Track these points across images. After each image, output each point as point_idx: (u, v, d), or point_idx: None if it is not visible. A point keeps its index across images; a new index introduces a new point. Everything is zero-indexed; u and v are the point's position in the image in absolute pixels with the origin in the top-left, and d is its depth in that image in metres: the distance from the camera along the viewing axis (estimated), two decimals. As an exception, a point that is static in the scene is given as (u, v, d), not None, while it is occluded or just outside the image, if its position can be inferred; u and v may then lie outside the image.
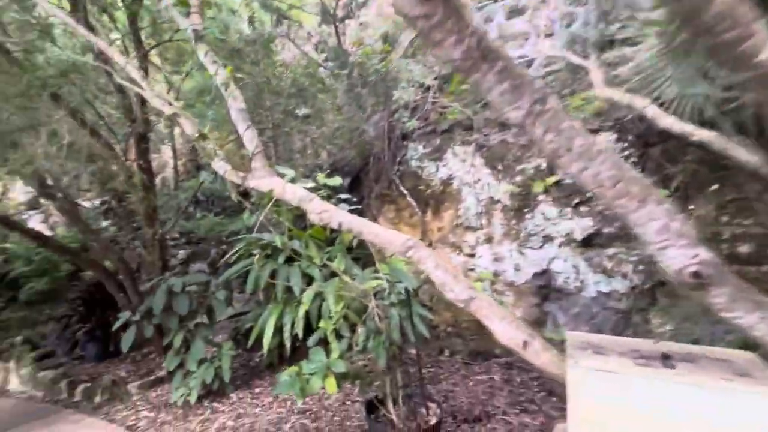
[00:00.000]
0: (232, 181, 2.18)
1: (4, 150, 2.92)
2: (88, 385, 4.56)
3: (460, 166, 4.75)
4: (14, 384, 5.47)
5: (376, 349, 2.40)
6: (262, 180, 1.93)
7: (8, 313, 8.08)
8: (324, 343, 2.69)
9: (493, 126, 4.73)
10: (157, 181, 11.43)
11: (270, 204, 2.02)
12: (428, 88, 5.03)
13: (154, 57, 6.44)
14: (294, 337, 4.18)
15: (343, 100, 5.74)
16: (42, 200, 9.88)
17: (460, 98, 4.99)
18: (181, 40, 4.77)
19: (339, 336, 2.48)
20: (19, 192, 10.44)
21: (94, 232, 5.63)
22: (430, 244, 5.15)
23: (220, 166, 2.04)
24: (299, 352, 4.75)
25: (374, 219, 5.47)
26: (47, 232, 9.36)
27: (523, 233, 4.18)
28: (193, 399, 3.77)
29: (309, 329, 4.39)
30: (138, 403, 4.15)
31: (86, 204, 9.58)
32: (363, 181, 6.18)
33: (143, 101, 4.34)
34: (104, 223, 9.31)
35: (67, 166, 4.27)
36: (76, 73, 3.28)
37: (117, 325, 3.80)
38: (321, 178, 2.17)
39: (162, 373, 4.60)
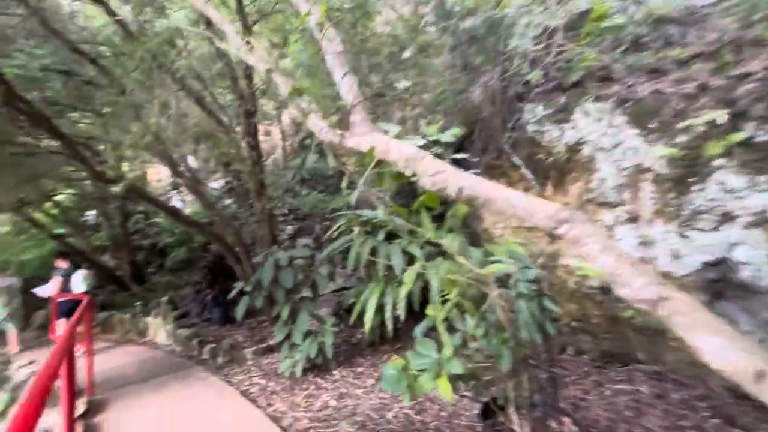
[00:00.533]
0: (329, 142, 1.88)
1: (127, 122, 3.13)
2: (213, 346, 5.01)
3: (594, 128, 3.86)
4: (161, 337, 6.39)
5: (499, 349, 1.94)
6: (363, 137, 1.58)
7: (158, 277, 9.59)
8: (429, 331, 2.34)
9: (642, 73, 3.71)
10: (269, 162, 12.34)
11: (371, 167, 1.67)
12: (552, 34, 4.16)
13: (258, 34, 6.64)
14: (395, 319, 3.96)
15: (447, 61, 5.17)
16: (178, 180, 11.41)
17: (595, 44, 4.03)
18: (282, 11, 4.71)
19: (451, 327, 2.08)
20: (166, 175, 12.19)
21: (216, 208, 6.14)
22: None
23: (315, 124, 1.75)
24: (401, 332, 4.54)
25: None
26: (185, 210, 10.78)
27: (686, 210, 3.21)
28: (298, 372, 3.80)
29: (412, 311, 4.13)
30: (252, 368, 4.38)
31: (214, 185, 10.80)
32: (468, 152, 5.58)
33: (249, 78, 4.41)
34: (227, 201, 10.38)
35: (190, 147, 4.57)
36: (180, 38, 3.42)
37: (232, 294, 3.99)
38: (432, 129, 1.72)
39: (273, 342, 4.82)
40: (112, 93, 3.47)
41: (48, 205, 8.75)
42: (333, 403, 3.31)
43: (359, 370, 3.97)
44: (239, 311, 3.94)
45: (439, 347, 2.02)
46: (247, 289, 4.02)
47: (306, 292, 4.26)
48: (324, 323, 4.10)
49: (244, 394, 3.68)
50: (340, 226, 5.12)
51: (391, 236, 4.67)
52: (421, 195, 1.95)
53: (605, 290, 3.80)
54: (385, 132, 1.73)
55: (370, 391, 3.50)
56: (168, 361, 5.19)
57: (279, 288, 3.92)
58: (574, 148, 4.02)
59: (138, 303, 7.36)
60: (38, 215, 8.81)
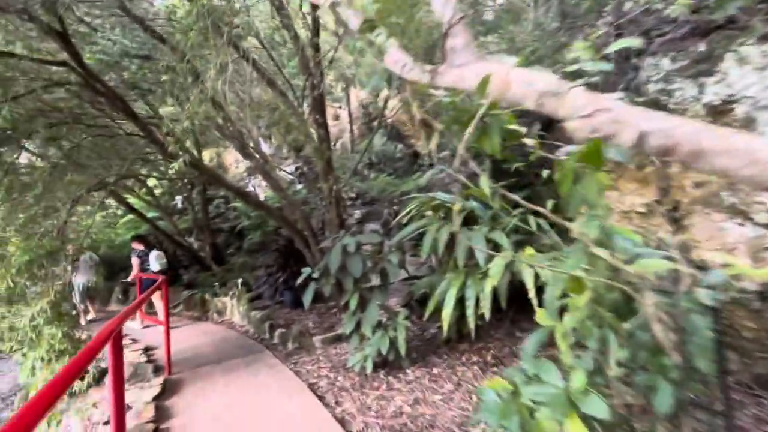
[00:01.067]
0: (415, 86, 1.40)
1: (185, 90, 2.96)
2: (283, 331, 4.91)
3: (754, 79, 2.89)
4: (236, 318, 6.56)
5: (654, 381, 1.34)
6: (467, 67, 1.07)
7: (236, 258, 10.04)
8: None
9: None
10: (337, 146, 12.26)
11: (477, 118, 1.15)
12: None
13: None
14: (478, 316, 3.44)
15: (538, 17, 4.37)
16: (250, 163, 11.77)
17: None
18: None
19: (579, 344, 1.52)
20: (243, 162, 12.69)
21: (285, 192, 6.04)
22: (675, 209, 3.51)
23: (394, 59, 1.27)
24: (481, 330, 4.01)
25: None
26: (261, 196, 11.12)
27: None
28: (369, 368, 3.47)
29: (497, 308, 3.58)
30: (320, 358, 4.17)
31: (286, 170, 10.98)
32: (558, 126, 4.77)
33: (317, 48, 4.07)
34: (298, 187, 10.49)
35: (260, 129, 4.39)
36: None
37: (300, 280, 3.76)
38: (581, 47, 1.12)
39: (342, 331, 4.57)
40: (182, 72, 3.33)
41: (142, 191, 9.52)
42: (407, 409, 2.91)
43: (435, 371, 3.52)
44: (306, 298, 3.70)
45: (562, 370, 1.47)
46: (315, 275, 3.76)
47: (375, 281, 3.90)
48: (395, 316, 3.71)
49: (313, 388, 3.45)
50: (410, 211, 4.69)
51: (467, 222, 4.12)
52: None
53: (766, 296, 2.88)
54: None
55: (449, 399, 3.04)
56: (241, 342, 5.22)
57: (347, 275, 3.59)
58: (722, 109, 3.07)
59: (217, 283, 7.68)
60: (134, 200, 9.63)
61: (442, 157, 7.14)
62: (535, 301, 3.05)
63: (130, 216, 9.88)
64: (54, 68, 3.30)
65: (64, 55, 3.09)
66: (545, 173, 4.39)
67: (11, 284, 3.05)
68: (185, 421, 3.00)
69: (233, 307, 6.64)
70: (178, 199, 11.96)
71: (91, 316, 7.70)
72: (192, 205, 9.85)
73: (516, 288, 3.41)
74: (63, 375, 1.36)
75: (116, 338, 1.83)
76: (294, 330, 4.70)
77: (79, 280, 7.43)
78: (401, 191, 6.66)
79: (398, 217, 5.05)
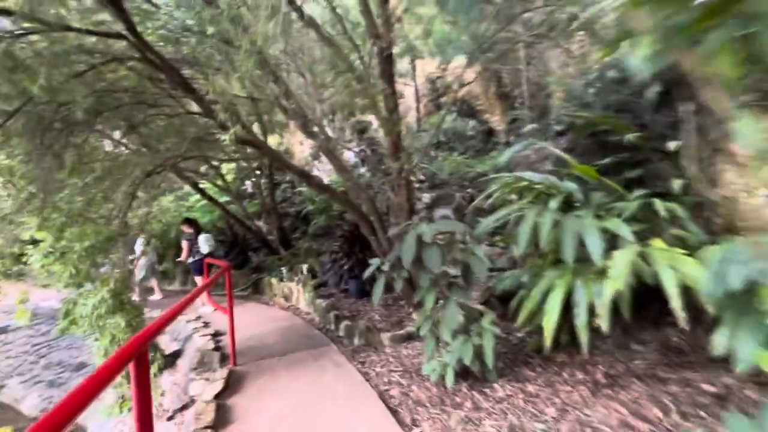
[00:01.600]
0: None
1: (246, 56, 2.56)
2: (349, 323, 4.55)
3: None
4: (302, 304, 6.40)
5: None
6: None
7: (302, 242, 10.04)
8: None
9: None
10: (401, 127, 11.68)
11: None
12: None
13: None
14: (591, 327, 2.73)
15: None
16: (317, 148, 11.63)
17: None
18: None
19: None
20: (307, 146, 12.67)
21: (350, 173, 5.63)
22: None
23: None
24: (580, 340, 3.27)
25: None
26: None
27: None
28: (449, 380, 2.94)
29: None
30: (390, 359, 3.73)
31: (349, 155, 10.68)
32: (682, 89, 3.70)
33: (385, 1, 3.48)
34: (361, 170, 10.14)
35: (319, 97, 3.97)
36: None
37: (367, 273, 3.30)
38: None
39: (413, 328, 4.09)
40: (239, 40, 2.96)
41: (214, 176, 9.81)
42: (503, 441, 2.33)
43: (530, 388, 2.89)
44: (376, 295, 3.24)
45: None
46: (384, 267, 3.28)
47: (457, 279, 3.32)
48: (480, 319, 3.11)
49: (384, 397, 3.01)
50: (491, 194, 4.00)
51: (565, 207, 3.35)
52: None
53: None
54: None
55: (555, 426, 2.40)
56: (306, 332, 4.98)
57: (423, 270, 3.05)
58: None
59: (283, 267, 7.62)
60: (208, 185, 9.98)
61: (525, 132, 6.23)
62: (681, 314, 2.27)
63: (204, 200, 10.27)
64: (111, 42, 3.15)
65: (119, 29, 2.91)
66: (673, 145, 3.23)
67: (74, 270, 3.04)
68: (244, 428, 2.73)
69: (299, 293, 6.49)
70: (249, 184, 12.31)
71: (156, 296, 8.14)
72: (260, 190, 9.97)
73: (632, 288, 2.64)
74: (61, 411, 1.00)
75: (141, 359, 1.43)
76: (360, 324, 4.31)
77: (145, 261, 7.85)
78: (477, 172, 5.93)
79: (475, 202, 4.38)
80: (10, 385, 6.22)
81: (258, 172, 10.16)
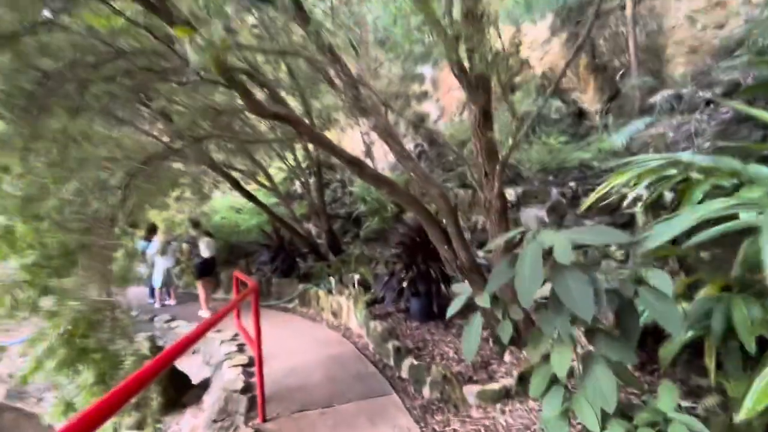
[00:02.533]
0: None
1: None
2: (415, 363, 3.38)
3: None
4: (353, 324, 5.33)
5: None
6: None
7: (352, 248, 9.06)
8: None
9: None
10: (460, 117, 10.30)
11: None
12: None
13: None
14: None
15: None
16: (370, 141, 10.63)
17: None
18: None
19: None
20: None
21: (416, 163, 4.47)
22: None
23: None
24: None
25: None
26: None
27: None
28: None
29: None
30: (482, 430, 2.48)
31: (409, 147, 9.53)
32: None
33: None
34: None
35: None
36: None
37: (452, 310, 2.11)
38: None
39: (511, 382, 2.83)
40: None
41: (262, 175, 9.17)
42: None
43: None
44: (468, 348, 2.03)
45: None
46: (482, 302, 2.06)
47: (603, 324, 2.01)
48: (648, 394, 1.80)
49: None
50: (613, 186, 2.66)
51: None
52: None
53: None
54: None
55: None
56: (359, 368, 3.88)
57: (557, 310, 1.80)
58: None
59: (332, 276, 6.65)
60: (254, 187, 9.36)
61: (646, 106, 4.69)
62: None
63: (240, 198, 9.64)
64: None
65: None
66: None
67: (12, 300, 2.16)
68: None
69: (350, 310, 5.45)
70: (298, 185, 11.64)
71: (171, 302, 7.49)
72: (308, 190, 9.16)
73: None
74: None
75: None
76: (433, 371, 3.11)
77: (164, 263, 7.25)
78: (578, 161, 4.51)
79: (592, 197, 3.03)
80: (48, 398, 5.89)
81: (307, 171, 9.39)
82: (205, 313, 6.55)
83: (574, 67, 6.92)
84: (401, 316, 4.79)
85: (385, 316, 4.85)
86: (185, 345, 1.69)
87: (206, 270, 6.59)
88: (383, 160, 10.79)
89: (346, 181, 11.24)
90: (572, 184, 4.52)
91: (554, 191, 4.55)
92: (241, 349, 4.68)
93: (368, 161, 11.26)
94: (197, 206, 11.49)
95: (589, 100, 6.72)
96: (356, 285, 5.77)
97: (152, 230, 7.69)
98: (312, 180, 9.06)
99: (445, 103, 10.15)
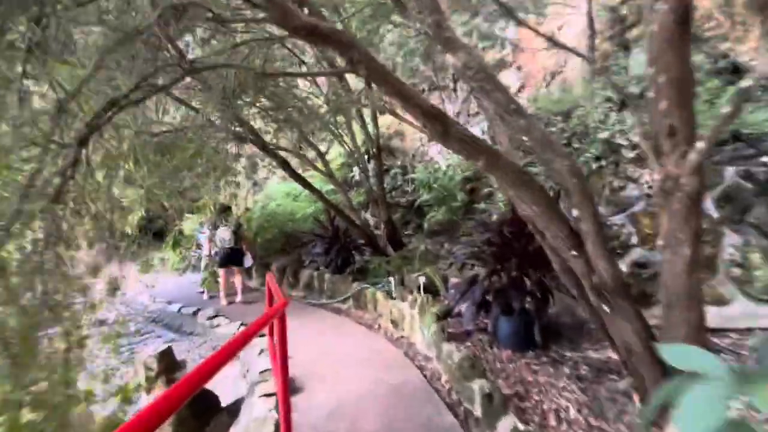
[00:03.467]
0: None
1: None
2: (522, 430, 2.20)
3: None
4: (418, 340, 4.24)
5: None
6: None
7: (415, 242, 7.95)
8: None
9: None
10: (550, 87, 8.63)
11: None
12: None
13: None
14: None
15: None
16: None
17: None
18: None
19: None
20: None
21: (533, 122, 3.21)
22: None
23: None
24: None
25: None
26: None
27: None
28: None
29: None
30: None
31: (474, 130, 8.17)
32: None
33: None
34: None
35: None
36: None
37: (656, 403, 0.91)
38: None
39: None
40: None
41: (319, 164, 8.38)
42: None
43: None
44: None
45: None
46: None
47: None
48: None
49: None
50: None
51: None
52: None
53: None
54: None
55: None
56: (429, 415, 2.78)
57: None
58: None
59: (392, 277, 5.61)
60: (310, 173, 8.61)
61: None
62: None
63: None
64: None
65: None
66: None
67: None
68: None
69: (413, 321, 4.37)
70: (356, 170, 10.75)
71: (238, 298, 6.68)
72: (366, 176, 8.17)
73: None
74: None
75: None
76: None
77: (213, 252, 6.67)
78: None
79: None
80: None
81: (365, 155, 8.42)
82: (223, 301, 6.43)
83: (725, 8, 5.10)
84: (485, 339, 3.60)
85: (462, 336, 3.69)
86: (184, 392, 1.07)
87: (223, 260, 6.40)
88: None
89: (407, 167, 10.12)
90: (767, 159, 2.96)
91: (729, 171, 3.02)
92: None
93: (429, 147, 10.03)
94: (251, 192, 11.03)
95: (751, 50, 4.88)
96: (421, 289, 4.66)
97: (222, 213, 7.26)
98: (371, 165, 8.08)
99: (529, 71, 8.55)
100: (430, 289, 4.84)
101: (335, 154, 10.90)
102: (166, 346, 3.96)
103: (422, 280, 4.66)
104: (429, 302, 4.33)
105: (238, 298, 6.45)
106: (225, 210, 6.62)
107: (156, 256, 9.81)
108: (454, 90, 9.86)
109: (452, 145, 2.12)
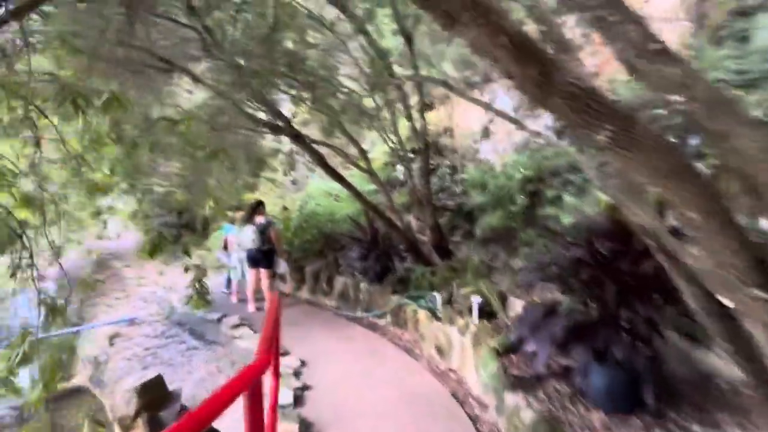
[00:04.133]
0: None
1: None
2: None
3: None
4: (470, 376, 3.36)
5: None
6: None
7: (464, 250, 7.01)
8: None
9: None
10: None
11: None
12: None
13: None
14: None
15: None
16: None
17: None
18: None
19: None
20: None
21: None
22: None
23: None
24: None
25: None
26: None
27: None
28: None
29: None
30: None
31: (533, 127, 7.11)
32: None
33: None
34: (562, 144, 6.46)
35: None
36: None
37: None
38: None
39: None
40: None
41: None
42: None
43: None
44: None
45: None
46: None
47: None
48: None
49: None
50: None
51: None
52: None
53: None
54: None
55: None
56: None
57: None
58: None
59: (438, 292, 4.76)
60: (351, 173, 7.96)
61: None
62: None
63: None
64: None
65: None
66: None
67: None
68: None
69: (465, 353, 3.50)
70: (400, 170, 9.98)
71: (267, 305, 6.08)
72: (411, 174, 7.37)
73: None
74: None
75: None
76: None
77: (239, 254, 6.16)
78: None
79: None
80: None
81: (410, 153, 7.64)
82: (251, 307, 5.92)
83: None
84: (564, 391, 2.65)
85: (531, 382, 2.77)
86: None
87: (250, 262, 5.84)
88: (504, 140, 8.44)
89: (457, 166, 9.17)
90: None
91: None
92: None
93: (481, 144, 9.05)
94: (290, 191, 10.58)
95: None
96: (475, 313, 3.77)
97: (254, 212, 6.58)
98: (416, 164, 7.26)
99: (604, 58, 7.31)
100: (484, 310, 3.94)
101: (378, 152, 10.19)
102: (155, 375, 3.40)
103: (478, 301, 3.78)
104: (486, 329, 3.44)
105: (267, 305, 5.90)
106: (257, 207, 6.07)
107: (195, 253, 9.66)
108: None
109: (554, 103, 1.27)
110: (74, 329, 7.04)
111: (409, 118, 6.34)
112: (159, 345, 5.59)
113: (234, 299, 6.50)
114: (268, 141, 7.77)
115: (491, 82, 8.68)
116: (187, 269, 4.16)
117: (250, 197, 7.68)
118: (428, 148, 6.59)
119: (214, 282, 7.36)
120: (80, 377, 6.29)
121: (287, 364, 3.68)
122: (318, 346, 4.27)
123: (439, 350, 3.93)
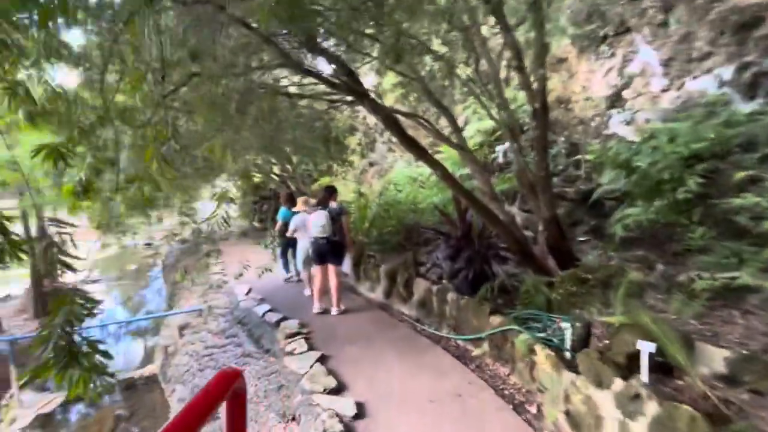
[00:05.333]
0: None
1: None
2: None
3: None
4: (607, 411, 1.82)
5: None
6: None
7: (594, 254, 5.12)
8: None
9: None
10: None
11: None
12: None
13: None
14: None
15: None
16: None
17: None
18: None
19: None
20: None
21: None
22: None
23: None
24: None
25: None
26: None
27: None
28: None
29: None
30: None
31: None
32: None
33: None
34: (740, 106, 4.22)
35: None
36: None
37: None
38: None
39: None
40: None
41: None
42: None
43: None
44: None
45: None
46: None
47: None
48: None
49: None
50: None
51: None
52: None
53: None
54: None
55: None
56: None
57: None
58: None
59: (569, 320, 3.19)
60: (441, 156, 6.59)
61: None
62: None
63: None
64: None
65: None
66: None
67: None
68: None
69: (601, 409, 1.93)
70: (500, 150, 8.22)
71: (333, 310, 4.99)
72: (519, 151, 5.65)
73: None
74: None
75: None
76: None
77: (303, 243, 5.26)
78: None
79: None
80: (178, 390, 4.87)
81: (520, 126, 5.93)
82: (316, 306, 5.07)
83: None
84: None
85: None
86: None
87: (315, 255, 5.02)
88: (646, 107, 6.17)
89: (579, 145, 7.11)
90: None
91: None
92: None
93: (611, 116, 6.87)
94: (369, 174, 9.52)
95: None
96: (645, 365, 2.16)
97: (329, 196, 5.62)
98: (524, 142, 5.55)
99: None
100: (662, 362, 2.28)
101: (472, 131, 8.61)
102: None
103: (649, 349, 2.15)
104: (660, 399, 1.84)
105: (333, 310, 4.90)
106: (330, 192, 5.06)
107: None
108: (662, 25, 6.46)
109: None
110: (150, 316, 7.06)
111: (521, 67, 4.62)
112: (219, 345, 4.99)
113: (307, 292, 5.64)
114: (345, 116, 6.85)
115: (628, 32, 6.48)
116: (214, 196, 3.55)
117: (324, 181, 6.87)
118: (547, 112, 4.83)
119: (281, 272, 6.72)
120: (153, 366, 6.16)
121: (336, 407, 2.54)
122: (387, 380, 3.08)
123: (574, 422, 2.40)
